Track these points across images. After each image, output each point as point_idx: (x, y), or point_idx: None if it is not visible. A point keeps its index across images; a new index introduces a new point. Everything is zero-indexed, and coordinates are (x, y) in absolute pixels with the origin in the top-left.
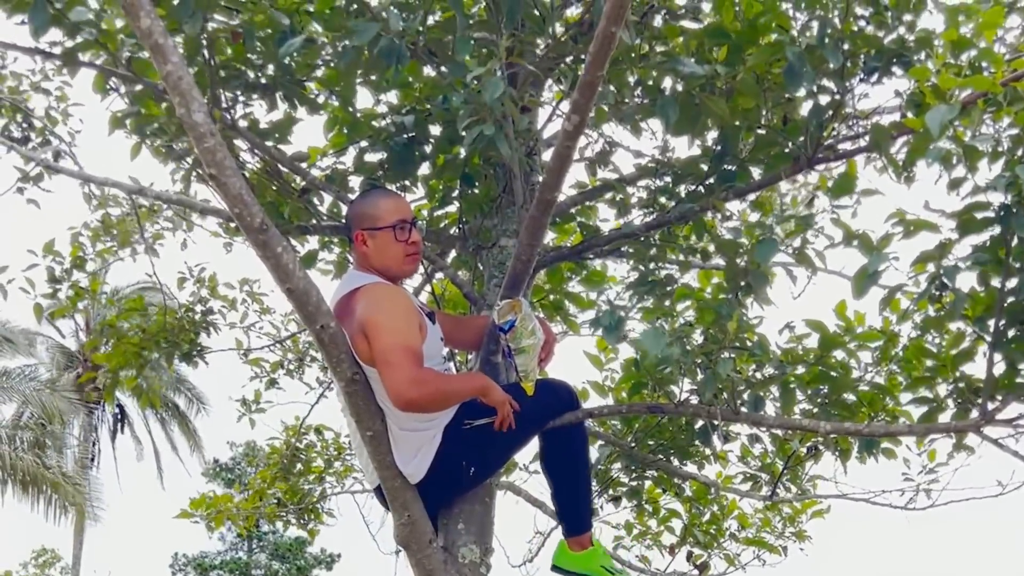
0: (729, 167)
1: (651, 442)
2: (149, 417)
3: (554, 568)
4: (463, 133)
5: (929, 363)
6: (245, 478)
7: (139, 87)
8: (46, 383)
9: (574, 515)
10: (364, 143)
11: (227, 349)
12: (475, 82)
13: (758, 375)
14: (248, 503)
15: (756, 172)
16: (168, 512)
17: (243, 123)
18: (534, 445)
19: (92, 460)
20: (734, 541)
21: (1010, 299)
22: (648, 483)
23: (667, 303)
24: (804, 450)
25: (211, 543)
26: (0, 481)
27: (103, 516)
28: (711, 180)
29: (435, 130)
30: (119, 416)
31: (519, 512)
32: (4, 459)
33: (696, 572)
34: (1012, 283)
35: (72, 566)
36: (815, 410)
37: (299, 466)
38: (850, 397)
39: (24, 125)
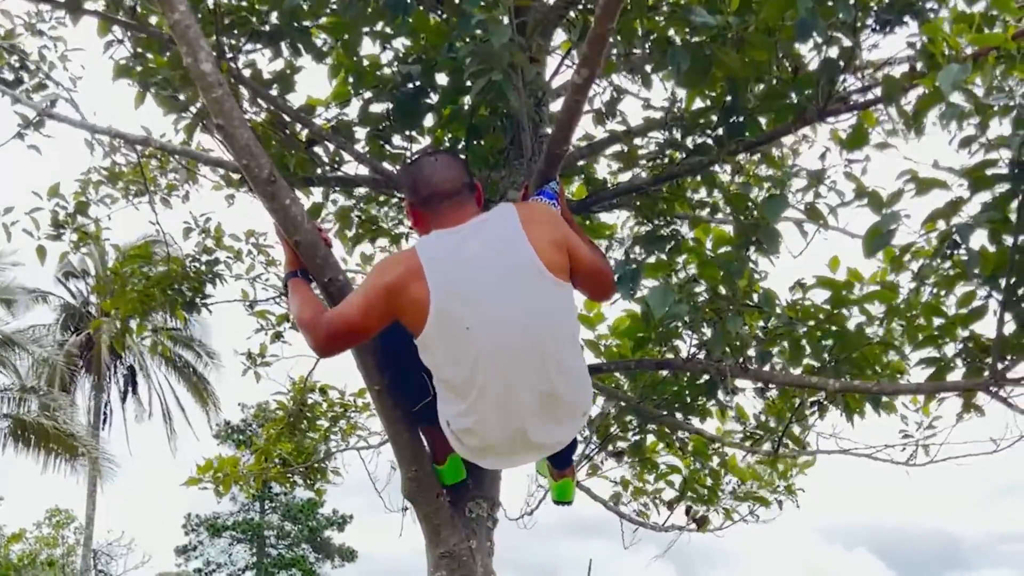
0: (739, 119)
1: (655, 397)
2: (160, 378)
3: (562, 503)
4: (469, 83)
5: (937, 322)
6: (256, 439)
7: (143, 35)
8: (56, 344)
9: (569, 451)
10: (369, 94)
11: (232, 300)
12: (481, 31)
13: (765, 330)
14: (254, 465)
15: (766, 124)
16: (180, 473)
17: (246, 72)
18: None
19: (104, 421)
20: (732, 497)
21: (1019, 256)
22: (650, 439)
23: (673, 257)
24: (809, 405)
25: (224, 504)
26: (12, 442)
27: (116, 477)
28: (720, 132)
29: (441, 79)
30: (129, 378)
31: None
32: (15, 420)
33: (694, 527)
34: None
35: (85, 527)
36: (820, 366)
37: (304, 423)
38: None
39: (17, 66)
